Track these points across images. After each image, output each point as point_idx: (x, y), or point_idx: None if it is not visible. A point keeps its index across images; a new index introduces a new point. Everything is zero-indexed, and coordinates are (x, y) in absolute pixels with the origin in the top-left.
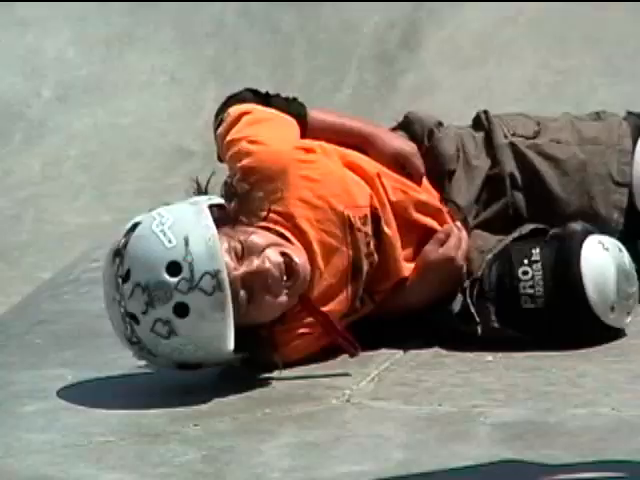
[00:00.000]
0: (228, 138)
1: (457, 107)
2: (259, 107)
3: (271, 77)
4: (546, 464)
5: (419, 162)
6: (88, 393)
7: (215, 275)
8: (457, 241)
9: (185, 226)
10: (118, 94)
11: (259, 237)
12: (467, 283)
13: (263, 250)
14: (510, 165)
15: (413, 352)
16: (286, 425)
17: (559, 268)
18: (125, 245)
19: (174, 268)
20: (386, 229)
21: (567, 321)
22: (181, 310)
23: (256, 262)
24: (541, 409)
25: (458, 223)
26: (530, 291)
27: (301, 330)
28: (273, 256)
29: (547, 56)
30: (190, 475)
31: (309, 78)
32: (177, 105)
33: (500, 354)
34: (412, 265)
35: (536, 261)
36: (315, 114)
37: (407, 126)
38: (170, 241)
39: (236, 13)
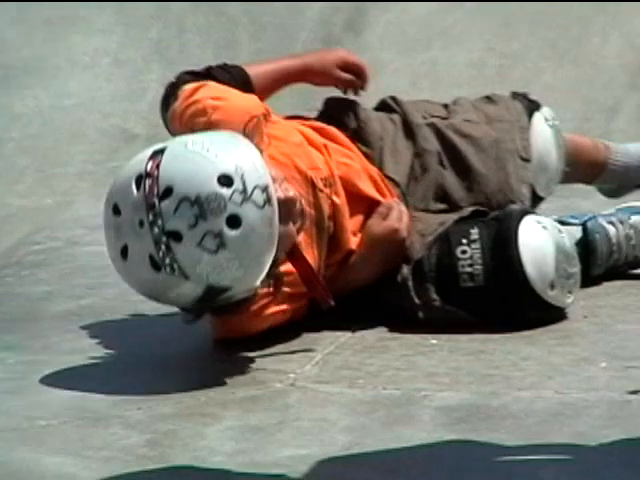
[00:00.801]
0: (189, 101)
1: (403, 90)
2: (211, 82)
3: (215, 59)
4: (490, 447)
5: (356, 57)
6: (30, 377)
7: (265, 189)
8: (398, 213)
9: (226, 144)
10: (60, 76)
11: (277, 170)
12: (408, 267)
13: (282, 181)
14: (434, 144)
15: (358, 335)
16: (230, 409)
17: (497, 246)
18: (157, 167)
19: (225, 180)
20: (335, 198)
21: (507, 298)
22: (234, 222)
23: (280, 191)
24: (485, 392)
25: (397, 199)
26: (469, 269)
27: (275, 305)
28: (291, 188)
29: (492, 40)
30: (133, 458)
31: (254, 60)
32: (120, 87)
33: (444, 337)
34: (358, 238)
35: (474, 240)
36: (252, 71)
37: (331, 110)
38: (217, 156)
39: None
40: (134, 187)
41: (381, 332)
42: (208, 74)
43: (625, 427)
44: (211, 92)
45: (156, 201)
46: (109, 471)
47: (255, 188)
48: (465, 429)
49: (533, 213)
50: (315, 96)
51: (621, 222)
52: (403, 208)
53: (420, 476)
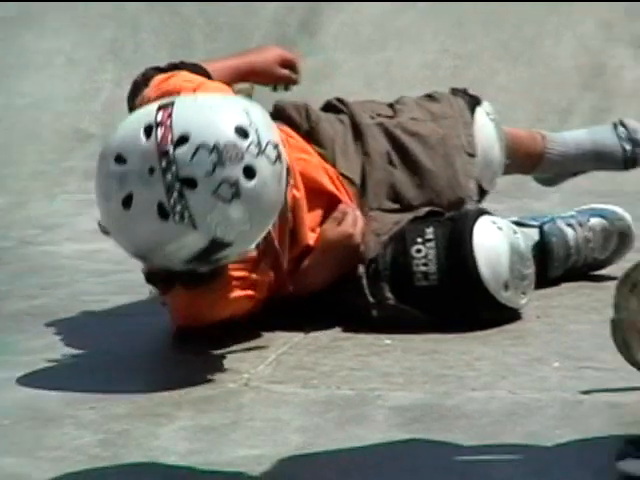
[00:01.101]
0: (162, 85)
1: (357, 91)
2: (182, 72)
3: (171, 59)
4: (443, 446)
5: (290, 53)
6: None
7: (276, 146)
8: (353, 218)
9: (236, 100)
10: (14, 75)
11: None
12: (362, 266)
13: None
14: (383, 143)
15: (312, 336)
16: (183, 409)
17: (452, 246)
18: (169, 116)
19: (241, 131)
20: (295, 192)
21: (461, 298)
22: (249, 173)
23: None
24: (439, 392)
25: (353, 205)
26: (423, 269)
27: (241, 290)
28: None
29: (446, 40)
30: (86, 459)
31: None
32: (74, 87)
33: (398, 337)
34: (316, 234)
35: (430, 240)
36: (209, 68)
37: (282, 113)
38: (230, 109)
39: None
40: (143, 136)
41: (335, 332)
42: (175, 68)
43: (577, 427)
44: (185, 78)
45: (170, 148)
46: (62, 471)
47: (268, 143)
48: (419, 429)
49: (489, 214)
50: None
51: (580, 224)
52: (358, 213)
53: (374, 476)
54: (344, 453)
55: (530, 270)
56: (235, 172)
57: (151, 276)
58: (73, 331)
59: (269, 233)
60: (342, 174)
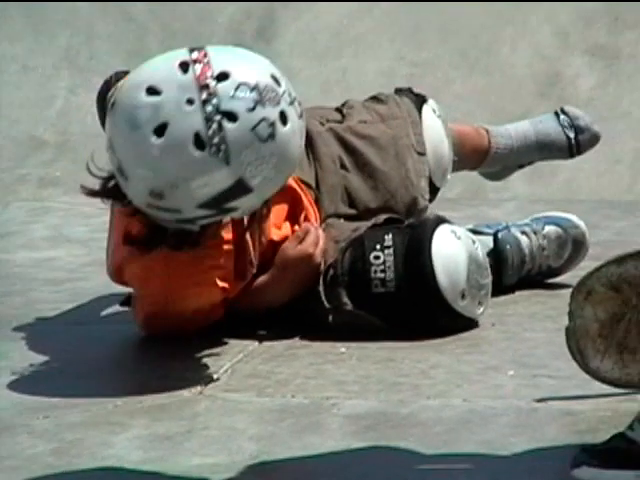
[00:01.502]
0: None
1: (314, 98)
2: None
3: (126, 66)
4: (398, 455)
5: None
6: None
7: (300, 104)
8: (315, 238)
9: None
10: None
11: None
12: (320, 272)
13: None
14: (335, 148)
15: (267, 344)
16: (137, 417)
17: (410, 253)
18: (205, 55)
19: (276, 80)
20: None
21: (418, 306)
22: (283, 118)
23: None
24: (393, 400)
25: (315, 223)
26: (381, 275)
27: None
28: None
29: (403, 48)
30: (39, 468)
31: None
32: (29, 94)
33: (354, 345)
34: (280, 232)
35: (388, 246)
36: None
37: None
38: (264, 59)
39: (89, 1)
40: (178, 71)
41: (290, 341)
42: None
43: (532, 435)
44: None
45: (211, 82)
46: None
47: (296, 98)
48: (374, 437)
49: (448, 222)
50: None
51: (535, 232)
52: (320, 233)
53: None
54: (299, 461)
55: (487, 280)
56: (273, 114)
57: (134, 237)
58: (27, 339)
59: (240, 224)
60: (300, 179)
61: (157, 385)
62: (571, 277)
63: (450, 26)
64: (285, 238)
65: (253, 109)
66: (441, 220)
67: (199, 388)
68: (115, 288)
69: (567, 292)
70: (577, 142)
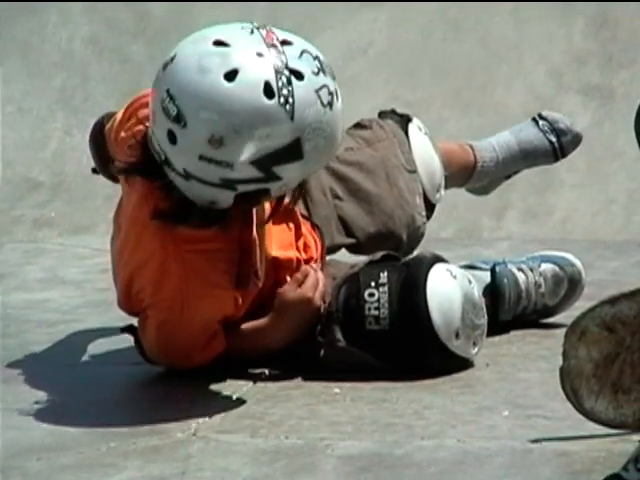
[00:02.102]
0: (131, 108)
1: None
2: None
3: (120, 107)
4: None
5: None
6: None
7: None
8: (314, 281)
9: None
10: None
11: None
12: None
13: None
14: (326, 180)
15: (260, 384)
16: (131, 459)
17: (405, 291)
18: (264, 27)
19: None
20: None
21: (411, 344)
22: (337, 94)
23: None
24: (388, 441)
25: (314, 265)
26: (375, 312)
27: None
28: None
29: (397, 88)
30: None
31: None
32: (24, 135)
33: (347, 385)
34: (284, 252)
35: (383, 284)
36: None
37: None
38: None
39: (84, 43)
40: (245, 31)
41: (284, 381)
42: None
43: (527, 476)
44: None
45: (278, 44)
46: None
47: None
48: (368, 478)
49: (444, 261)
50: None
51: (531, 269)
52: (320, 275)
53: None
54: None
55: (482, 320)
56: (332, 85)
57: (166, 215)
58: (21, 381)
59: (246, 229)
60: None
61: (150, 426)
62: (565, 317)
63: (444, 66)
64: (289, 260)
65: (317, 74)
66: (437, 259)
67: (192, 429)
68: (109, 330)
69: (561, 332)
70: (560, 145)
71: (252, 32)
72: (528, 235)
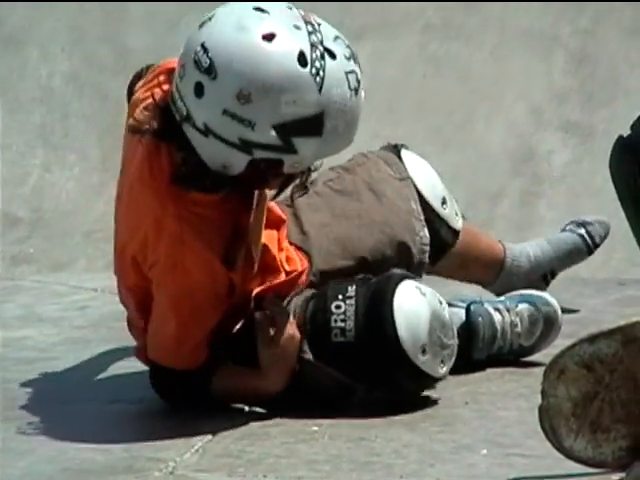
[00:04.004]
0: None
1: None
2: None
3: (100, 144)
4: None
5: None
6: None
7: None
8: (282, 318)
9: None
10: None
11: None
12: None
13: None
14: (311, 216)
15: (238, 423)
16: None
17: (371, 304)
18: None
19: None
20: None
21: (377, 358)
22: (361, 85)
23: None
24: None
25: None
26: (341, 324)
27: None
28: None
29: (377, 124)
30: None
31: None
32: (3, 171)
33: (326, 423)
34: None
35: (350, 297)
36: None
37: None
38: None
39: (64, 79)
40: (284, 6)
41: (262, 419)
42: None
43: None
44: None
45: (315, 22)
46: None
47: None
48: None
49: (414, 279)
50: None
51: (507, 309)
52: (292, 326)
53: None
54: None
55: (452, 341)
56: (360, 73)
57: (181, 176)
58: None
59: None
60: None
61: (128, 464)
62: (544, 355)
63: (425, 102)
64: (274, 258)
65: (349, 59)
66: (407, 276)
67: (170, 468)
68: (84, 368)
69: (540, 370)
70: (589, 234)
71: (291, 9)
72: None
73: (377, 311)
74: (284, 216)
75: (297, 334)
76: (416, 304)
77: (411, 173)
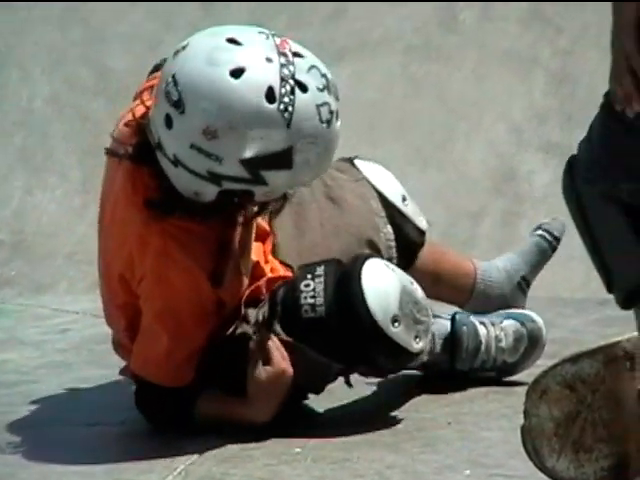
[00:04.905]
0: None
1: None
2: None
3: (81, 166)
4: None
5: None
6: None
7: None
8: (280, 352)
9: None
10: None
11: None
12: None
13: None
14: (287, 245)
15: (221, 444)
16: None
17: (341, 278)
18: (281, 35)
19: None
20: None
21: (349, 331)
22: (337, 115)
23: None
24: None
25: (273, 337)
26: (311, 301)
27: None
28: None
29: (357, 144)
30: None
31: None
32: None
33: (309, 445)
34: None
35: (319, 275)
36: None
37: None
38: None
39: (45, 101)
40: (260, 35)
41: (245, 441)
42: None
43: None
44: None
45: (289, 53)
46: None
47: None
48: None
49: (383, 259)
50: None
51: (493, 324)
52: (277, 342)
53: None
54: None
55: (426, 319)
56: (334, 104)
57: (153, 201)
58: None
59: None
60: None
61: None
62: (527, 375)
63: (405, 122)
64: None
65: (322, 90)
66: (375, 255)
67: None
68: (66, 391)
69: (523, 390)
70: (547, 231)
71: (267, 38)
72: None
73: (346, 285)
74: (269, 230)
75: (289, 370)
76: (385, 276)
77: (365, 174)
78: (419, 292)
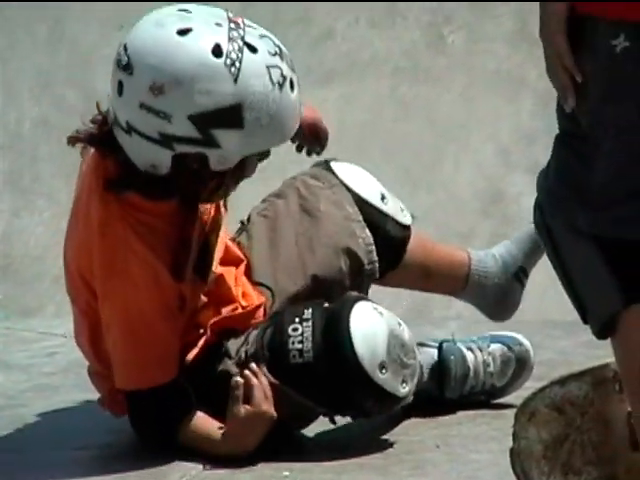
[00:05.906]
0: None
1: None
2: None
3: (69, 188)
4: None
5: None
6: None
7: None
8: (262, 392)
9: None
10: None
11: None
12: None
13: None
14: (261, 258)
15: (209, 468)
16: None
17: (328, 323)
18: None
19: None
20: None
21: (336, 377)
22: (293, 86)
23: None
24: None
25: (255, 369)
26: (299, 346)
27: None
28: None
29: None
30: None
31: None
32: None
33: (298, 467)
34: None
35: (307, 319)
36: None
37: None
38: None
39: (33, 124)
40: (213, 8)
41: (233, 465)
42: None
43: None
44: None
45: (241, 21)
46: None
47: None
48: None
49: (371, 301)
50: None
51: (480, 349)
52: (264, 380)
53: None
54: None
55: (413, 361)
56: (288, 72)
57: (111, 180)
58: None
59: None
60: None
61: None
62: (515, 397)
63: (393, 144)
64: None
65: (274, 55)
66: (363, 297)
67: None
68: (53, 415)
69: (511, 412)
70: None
71: (221, 12)
72: (477, 315)
73: (334, 330)
74: (242, 257)
75: (270, 411)
76: (373, 321)
77: (341, 178)
78: (406, 334)
